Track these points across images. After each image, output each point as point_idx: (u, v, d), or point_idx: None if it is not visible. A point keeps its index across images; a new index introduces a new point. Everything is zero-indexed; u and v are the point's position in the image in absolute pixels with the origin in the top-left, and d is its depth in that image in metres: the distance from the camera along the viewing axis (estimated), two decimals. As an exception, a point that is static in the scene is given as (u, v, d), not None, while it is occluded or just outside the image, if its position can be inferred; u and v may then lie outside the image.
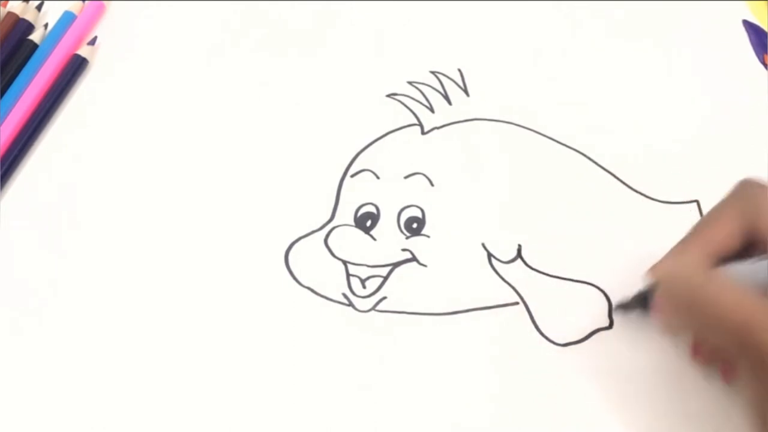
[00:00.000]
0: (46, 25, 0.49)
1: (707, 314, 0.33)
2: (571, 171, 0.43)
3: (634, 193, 0.43)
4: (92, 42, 0.49)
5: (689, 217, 0.42)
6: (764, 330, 0.31)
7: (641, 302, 0.38)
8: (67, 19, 0.49)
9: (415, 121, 0.45)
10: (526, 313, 0.40)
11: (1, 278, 0.42)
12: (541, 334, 0.39)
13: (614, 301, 0.40)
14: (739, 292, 0.33)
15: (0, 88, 0.47)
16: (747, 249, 0.35)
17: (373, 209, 0.43)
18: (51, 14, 0.50)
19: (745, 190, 0.35)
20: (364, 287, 0.41)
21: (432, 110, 0.46)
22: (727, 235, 0.35)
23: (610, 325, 0.39)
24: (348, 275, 0.41)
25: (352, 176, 0.44)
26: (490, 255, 0.41)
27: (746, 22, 0.48)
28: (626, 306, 0.39)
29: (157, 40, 0.49)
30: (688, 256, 0.35)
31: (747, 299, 0.32)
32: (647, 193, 0.43)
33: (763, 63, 0.47)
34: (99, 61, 0.49)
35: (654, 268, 0.37)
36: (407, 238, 0.42)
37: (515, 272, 0.41)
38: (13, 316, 0.40)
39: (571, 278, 0.41)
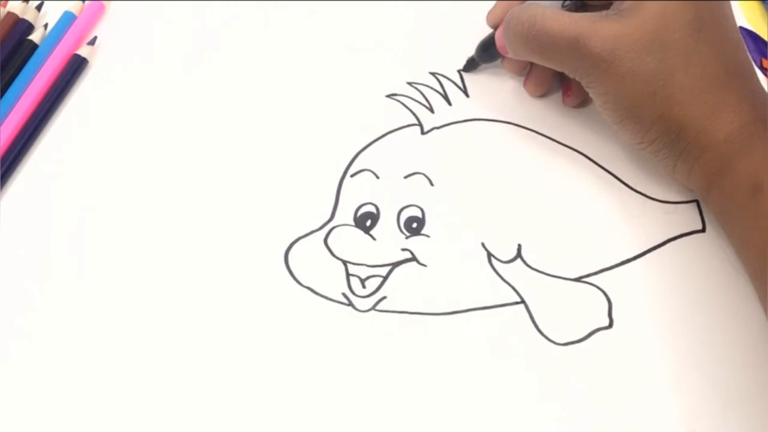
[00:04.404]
0: (45, 26, 0.49)
1: (545, 44, 0.39)
2: (571, 171, 0.43)
3: (634, 193, 0.43)
4: (92, 42, 0.49)
5: (689, 217, 0.42)
6: (591, 38, 0.38)
7: (485, 51, 0.45)
8: (67, 19, 0.49)
9: (415, 121, 0.45)
10: (526, 313, 0.40)
11: (1, 278, 0.42)
12: (541, 333, 0.39)
13: (461, 68, 0.47)
14: (563, 14, 0.39)
15: (0, 88, 0.47)
16: None
17: (372, 209, 0.43)
18: (51, 14, 0.50)
19: None
20: (364, 287, 0.41)
21: (432, 110, 0.46)
22: None
23: (610, 325, 0.39)
24: (348, 275, 0.41)
25: (352, 176, 0.44)
26: (490, 255, 0.41)
27: (743, 29, 0.48)
28: (472, 61, 0.46)
29: (157, 40, 0.49)
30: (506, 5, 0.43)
31: (572, 18, 0.39)
32: (647, 193, 0.43)
33: (761, 68, 0.47)
34: (99, 61, 0.49)
35: (487, 16, 0.44)
36: (407, 237, 0.42)
37: (515, 272, 0.41)
38: (13, 316, 0.40)
39: (571, 278, 0.41)
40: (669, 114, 0.38)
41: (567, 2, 0.42)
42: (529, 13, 0.40)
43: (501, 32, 0.43)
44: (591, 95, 0.40)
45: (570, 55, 0.39)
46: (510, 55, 0.43)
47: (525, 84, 0.45)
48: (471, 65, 0.46)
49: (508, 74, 0.46)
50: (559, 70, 0.41)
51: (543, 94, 0.45)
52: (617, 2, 0.39)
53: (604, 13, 0.39)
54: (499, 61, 0.46)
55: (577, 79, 0.40)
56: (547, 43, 0.39)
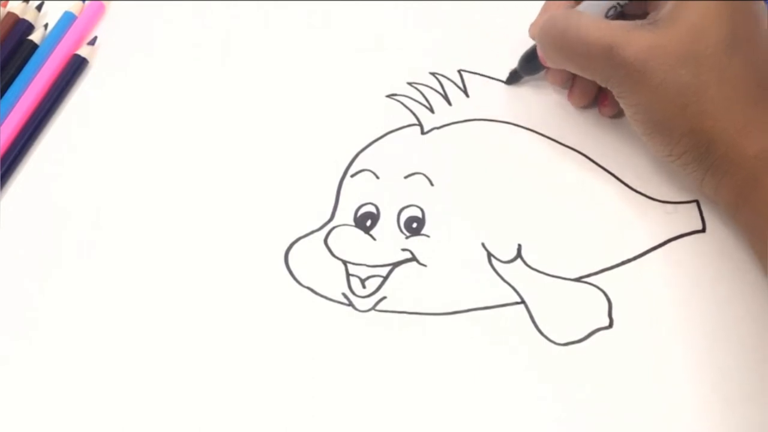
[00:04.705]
0: (46, 26, 0.49)
1: (578, 50, 0.39)
2: (571, 171, 0.43)
3: (634, 193, 0.43)
4: (92, 42, 0.49)
5: (689, 217, 0.42)
6: (625, 48, 0.37)
7: (528, 63, 0.45)
8: (67, 19, 0.50)
9: (415, 121, 0.45)
10: (526, 313, 0.40)
11: (1, 278, 0.42)
12: (542, 333, 0.39)
13: (506, 77, 0.46)
14: (599, 21, 0.39)
15: (0, 88, 0.47)
16: None
17: (373, 209, 0.43)
18: (51, 14, 0.50)
19: None
20: (364, 287, 0.41)
21: (432, 110, 0.46)
22: None
23: (610, 325, 0.39)
24: (348, 275, 0.41)
25: (352, 176, 0.44)
26: (490, 255, 0.41)
27: None
28: (515, 74, 0.46)
29: (157, 40, 0.49)
30: (553, 7, 0.43)
31: (608, 25, 0.39)
32: (647, 193, 0.43)
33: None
34: (99, 61, 0.49)
35: (530, 27, 0.44)
36: (407, 237, 0.42)
37: (515, 272, 0.41)
38: (14, 316, 0.41)
39: (571, 278, 0.41)
40: (699, 128, 0.37)
41: (610, 12, 0.41)
42: (565, 19, 0.40)
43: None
44: (621, 105, 0.40)
45: (603, 64, 0.38)
46: (548, 64, 0.43)
47: (569, 96, 0.45)
48: (514, 78, 0.46)
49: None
50: (591, 78, 0.40)
51: (586, 106, 0.45)
52: (653, 12, 0.39)
53: (639, 22, 0.39)
54: (542, 73, 0.45)
55: (608, 88, 0.40)
56: (580, 51, 0.39)
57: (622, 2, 0.41)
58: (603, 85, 0.40)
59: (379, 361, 0.39)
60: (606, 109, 0.44)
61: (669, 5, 0.38)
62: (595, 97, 0.44)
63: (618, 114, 0.44)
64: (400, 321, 0.40)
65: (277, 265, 0.41)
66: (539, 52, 0.43)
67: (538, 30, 0.42)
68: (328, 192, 0.43)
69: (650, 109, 0.38)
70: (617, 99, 0.40)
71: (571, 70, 0.41)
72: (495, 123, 0.45)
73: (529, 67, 0.45)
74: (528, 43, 0.45)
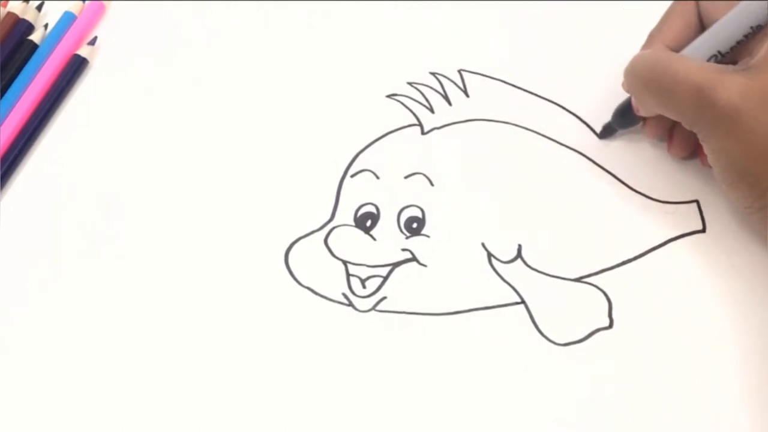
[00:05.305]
0: (46, 26, 0.49)
1: (666, 86, 0.38)
2: (571, 171, 0.43)
3: (634, 193, 0.43)
4: (92, 42, 0.49)
5: (689, 217, 0.42)
6: (716, 89, 0.36)
7: (622, 116, 0.43)
8: (67, 19, 0.50)
9: (415, 121, 0.45)
10: (527, 313, 0.40)
11: (1, 278, 0.42)
12: (542, 334, 0.39)
13: (599, 129, 0.44)
14: (692, 60, 0.38)
15: (0, 88, 0.47)
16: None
17: (373, 209, 0.43)
18: (51, 14, 0.50)
19: None
20: (364, 287, 0.41)
21: (432, 110, 0.46)
22: (682, 26, 0.41)
23: (610, 325, 0.39)
24: (348, 275, 0.41)
25: (352, 176, 0.44)
26: (490, 255, 0.41)
27: None
28: (609, 127, 0.44)
29: (157, 40, 0.49)
30: (649, 48, 0.41)
31: (699, 66, 0.37)
32: (647, 193, 0.43)
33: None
34: (99, 61, 0.49)
35: (623, 82, 0.41)
36: (407, 238, 0.42)
37: (515, 272, 0.41)
38: (13, 317, 0.40)
39: (571, 278, 0.41)
40: None
41: (710, 61, 0.39)
42: (654, 56, 0.39)
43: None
44: (705, 150, 0.38)
45: (691, 104, 0.37)
46: (639, 110, 0.41)
47: (669, 147, 0.43)
48: (607, 131, 0.44)
49: (508, 75, 0.46)
50: (676, 119, 0.39)
51: (686, 157, 0.43)
52: (746, 58, 0.38)
53: (731, 66, 0.37)
54: (638, 126, 0.43)
55: (693, 130, 0.38)
56: (668, 88, 0.37)
57: (723, 50, 0.39)
58: (688, 128, 0.38)
59: (379, 362, 0.39)
60: (707, 159, 0.40)
61: (763, 51, 0.36)
62: (695, 147, 0.42)
63: None
64: (400, 321, 0.40)
65: (277, 265, 0.41)
66: (634, 104, 0.41)
67: (629, 65, 0.40)
68: (328, 192, 0.43)
69: (734, 157, 0.37)
70: (702, 143, 0.38)
71: (660, 110, 0.39)
72: (495, 123, 0.45)
73: (623, 120, 0.43)
74: (531, 46, 0.45)
